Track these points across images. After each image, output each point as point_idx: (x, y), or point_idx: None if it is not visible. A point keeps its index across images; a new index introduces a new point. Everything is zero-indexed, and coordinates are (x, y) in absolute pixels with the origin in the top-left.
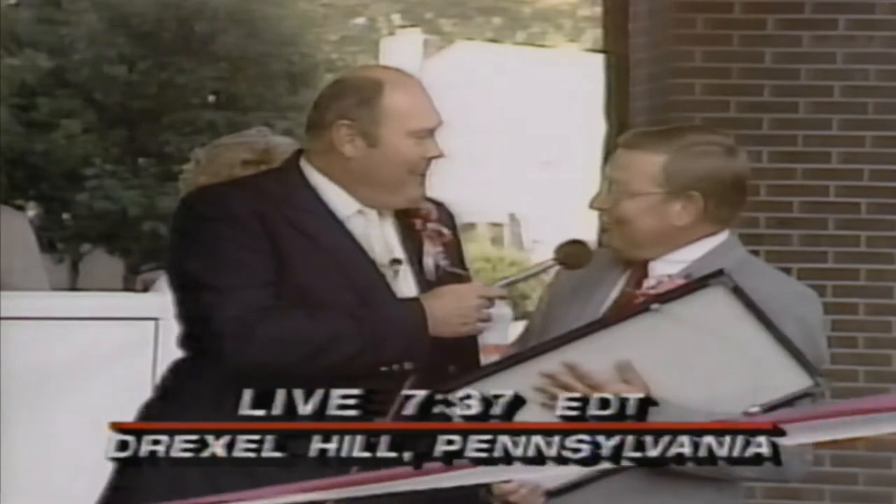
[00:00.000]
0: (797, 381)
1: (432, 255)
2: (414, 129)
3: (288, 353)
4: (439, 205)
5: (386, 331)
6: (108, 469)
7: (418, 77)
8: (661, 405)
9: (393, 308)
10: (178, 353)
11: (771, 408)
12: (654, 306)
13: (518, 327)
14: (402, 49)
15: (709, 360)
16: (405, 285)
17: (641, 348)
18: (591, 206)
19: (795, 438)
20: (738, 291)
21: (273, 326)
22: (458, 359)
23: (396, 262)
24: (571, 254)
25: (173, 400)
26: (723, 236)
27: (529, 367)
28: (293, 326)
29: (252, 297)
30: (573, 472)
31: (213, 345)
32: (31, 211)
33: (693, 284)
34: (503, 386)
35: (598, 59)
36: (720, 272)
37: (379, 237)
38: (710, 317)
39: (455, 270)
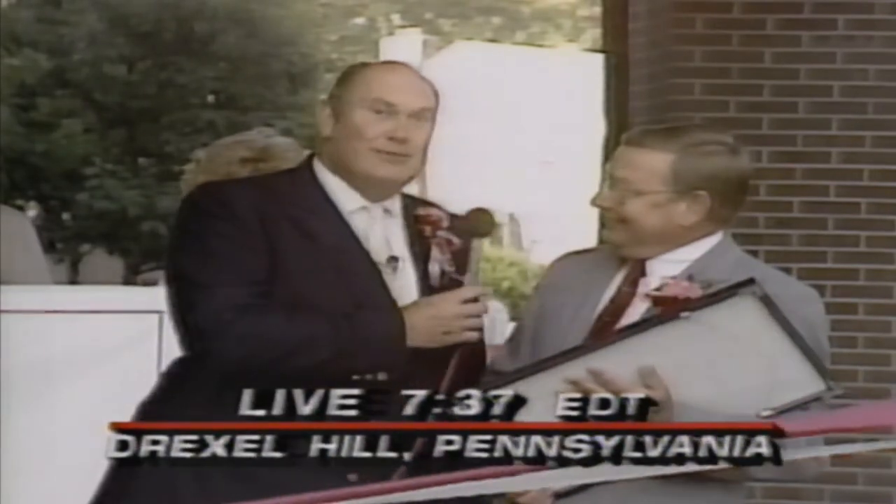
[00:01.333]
0: (812, 385)
1: (439, 262)
2: (374, 98)
3: (261, 352)
4: (455, 216)
5: (362, 339)
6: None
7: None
8: (680, 408)
9: (372, 317)
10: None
11: (784, 411)
12: (685, 314)
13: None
14: (401, 49)
15: (730, 365)
16: (405, 285)
17: (666, 354)
18: (593, 203)
19: (797, 453)
20: (766, 300)
21: (249, 325)
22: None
23: (393, 259)
24: (476, 221)
25: (172, 398)
26: (718, 237)
27: (554, 374)
28: (269, 327)
29: (234, 294)
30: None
31: (190, 340)
32: (32, 211)
33: (724, 293)
34: (526, 392)
35: (598, 59)
36: (751, 281)
37: (379, 234)
38: (737, 324)
39: (460, 278)
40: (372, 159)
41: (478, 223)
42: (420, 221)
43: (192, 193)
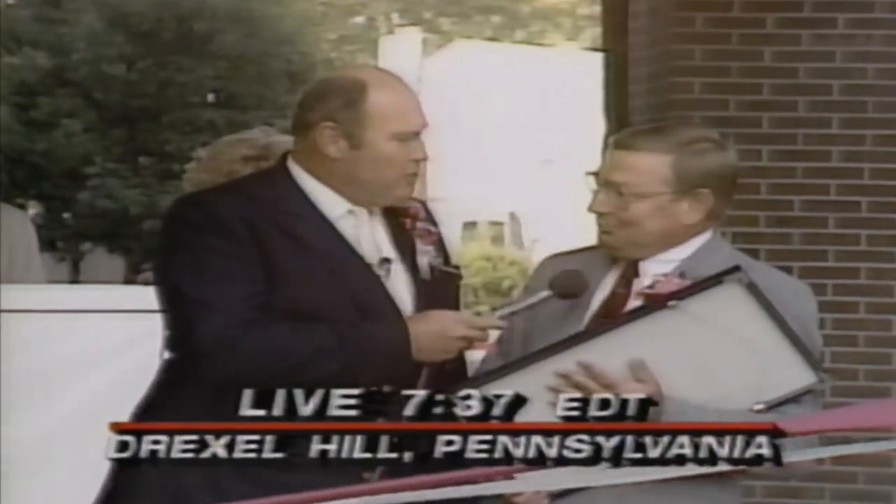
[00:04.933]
0: (802, 377)
1: (425, 255)
2: (397, 132)
3: (268, 368)
4: (421, 203)
5: (368, 352)
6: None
7: (404, 78)
8: (672, 402)
9: (377, 328)
10: None
11: (776, 404)
12: (672, 303)
13: None
14: (400, 48)
15: (720, 356)
16: (398, 285)
17: (655, 346)
18: (591, 209)
19: (797, 455)
20: (752, 288)
21: (254, 342)
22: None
23: (386, 261)
24: (568, 284)
25: (171, 400)
26: (708, 234)
27: (544, 367)
28: (275, 342)
29: (235, 310)
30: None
31: (194, 358)
32: (32, 210)
33: (709, 281)
34: (517, 386)
35: (598, 58)
36: (736, 268)
37: (369, 237)
38: (724, 313)
39: (448, 269)
40: (402, 184)
41: (570, 284)
42: (399, 214)
43: (176, 205)
